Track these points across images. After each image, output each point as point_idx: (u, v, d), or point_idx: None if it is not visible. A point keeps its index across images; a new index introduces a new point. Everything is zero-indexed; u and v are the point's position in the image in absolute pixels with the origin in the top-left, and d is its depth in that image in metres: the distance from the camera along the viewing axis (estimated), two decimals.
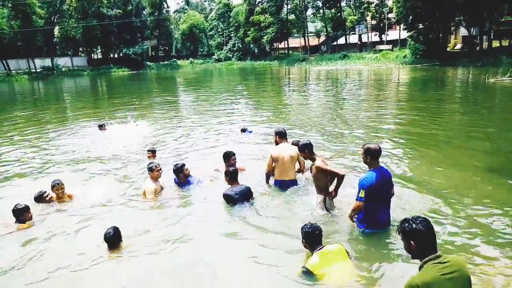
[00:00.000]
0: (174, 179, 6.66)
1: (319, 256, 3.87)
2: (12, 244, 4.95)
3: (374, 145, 4.57)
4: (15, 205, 5.33)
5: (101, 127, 11.77)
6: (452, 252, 4.27)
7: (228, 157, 6.79)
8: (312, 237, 3.99)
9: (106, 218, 5.56)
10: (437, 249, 2.86)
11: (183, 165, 6.57)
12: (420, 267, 2.86)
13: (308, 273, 3.83)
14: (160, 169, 6.42)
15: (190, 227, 5.28)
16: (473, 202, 5.64)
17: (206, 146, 9.98)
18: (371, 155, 4.51)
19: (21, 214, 5.25)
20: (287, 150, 6.31)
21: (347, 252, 3.96)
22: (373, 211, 4.65)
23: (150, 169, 6.35)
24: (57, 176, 7.69)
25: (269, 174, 6.53)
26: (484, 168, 7.34)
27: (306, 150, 5.44)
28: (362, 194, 4.47)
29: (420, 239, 2.84)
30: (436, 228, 4.77)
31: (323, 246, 3.96)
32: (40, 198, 5.88)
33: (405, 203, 5.66)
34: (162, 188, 6.44)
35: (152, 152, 8.35)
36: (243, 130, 10.97)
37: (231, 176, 5.94)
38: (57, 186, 6.12)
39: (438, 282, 2.70)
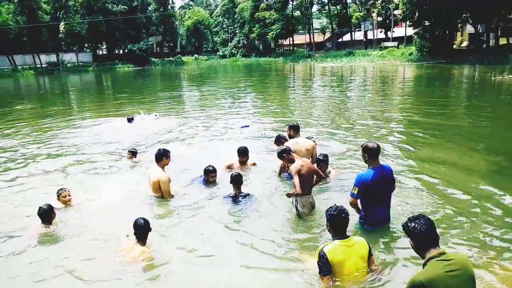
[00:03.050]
0: (202, 180, 6.64)
1: (340, 243, 3.62)
2: (45, 247, 4.85)
3: (372, 143, 4.58)
4: (40, 208, 5.12)
5: (130, 120, 11.98)
6: (455, 250, 4.27)
7: (244, 153, 7.09)
8: (338, 221, 3.66)
9: (125, 215, 5.45)
10: (436, 246, 2.88)
11: (214, 170, 6.52)
12: (424, 264, 2.89)
13: (323, 259, 3.57)
14: None
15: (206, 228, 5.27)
16: (476, 200, 5.62)
17: (215, 140, 10.10)
18: (369, 154, 4.53)
19: (48, 215, 5.13)
20: (302, 143, 6.34)
21: (370, 249, 3.72)
22: (370, 209, 4.69)
23: (166, 155, 6.05)
24: (70, 173, 7.75)
25: (284, 167, 6.55)
26: (488, 166, 7.33)
27: (284, 154, 5.41)
28: (355, 191, 4.54)
29: (417, 237, 2.92)
30: (439, 225, 4.78)
31: (348, 236, 3.70)
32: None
33: (407, 200, 5.67)
34: None
35: (132, 154, 8.12)
36: (245, 126, 11.26)
37: (234, 182, 5.87)
38: (64, 193, 5.87)
39: (442, 279, 2.71)
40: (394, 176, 4.71)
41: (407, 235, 3.01)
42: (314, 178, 5.45)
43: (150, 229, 4.48)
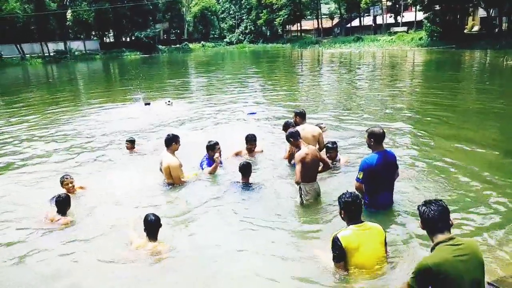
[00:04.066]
0: (206, 158, 6.60)
1: (355, 228, 3.54)
2: (59, 240, 4.76)
3: (378, 128, 4.68)
4: (59, 196, 5.10)
5: (147, 104, 12.45)
6: (465, 235, 4.23)
7: (252, 140, 7.10)
8: (353, 207, 3.58)
9: (136, 207, 5.47)
10: (444, 232, 2.87)
11: (216, 143, 6.53)
12: (432, 249, 2.90)
13: (337, 245, 3.50)
14: None
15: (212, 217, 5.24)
16: (488, 185, 5.58)
17: (223, 127, 10.17)
18: (375, 139, 4.60)
19: (65, 205, 5.09)
20: (309, 130, 6.32)
21: (385, 237, 3.65)
22: (374, 194, 4.72)
23: (175, 140, 6.05)
24: (74, 161, 7.78)
25: (293, 154, 6.55)
26: (501, 151, 7.24)
27: (292, 139, 5.35)
28: (360, 176, 4.61)
29: (425, 222, 2.95)
30: (456, 207, 4.80)
31: (363, 221, 3.62)
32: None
33: (424, 183, 5.68)
34: None
35: (131, 143, 8.03)
36: (251, 113, 11.23)
37: (243, 171, 5.83)
38: (66, 181, 5.76)
39: (450, 263, 2.71)
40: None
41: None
42: (321, 166, 5.41)
43: (160, 225, 4.36)
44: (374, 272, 3.54)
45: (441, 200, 3.01)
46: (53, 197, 5.33)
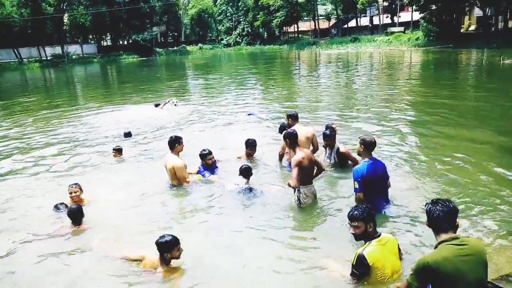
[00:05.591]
0: (201, 166, 6.57)
1: (377, 244, 3.46)
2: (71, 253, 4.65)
3: (370, 138, 4.89)
4: (70, 208, 5.08)
5: (156, 106, 12.51)
6: (467, 233, 4.25)
7: (252, 146, 7.08)
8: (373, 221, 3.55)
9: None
10: (448, 232, 2.87)
11: (210, 153, 6.49)
12: (435, 248, 2.90)
13: (363, 264, 3.38)
14: None
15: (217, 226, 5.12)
16: (489, 183, 5.61)
17: (222, 129, 10.16)
18: (365, 146, 4.77)
19: (78, 215, 5.01)
20: (302, 132, 6.25)
21: (398, 245, 3.66)
22: (369, 201, 4.65)
23: (178, 142, 6.07)
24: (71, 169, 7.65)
25: (282, 155, 6.60)
26: (501, 148, 7.29)
27: (288, 139, 5.27)
28: (356, 186, 4.69)
29: (430, 220, 2.96)
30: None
31: (379, 234, 3.54)
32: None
33: (420, 183, 5.71)
34: None
35: (118, 151, 7.91)
36: (251, 115, 11.27)
37: (244, 174, 5.84)
38: (71, 190, 5.60)
39: (451, 262, 2.73)
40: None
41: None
42: (315, 170, 5.38)
43: (171, 247, 3.94)
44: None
45: (449, 200, 2.99)
46: (63, 207, 5.34)
